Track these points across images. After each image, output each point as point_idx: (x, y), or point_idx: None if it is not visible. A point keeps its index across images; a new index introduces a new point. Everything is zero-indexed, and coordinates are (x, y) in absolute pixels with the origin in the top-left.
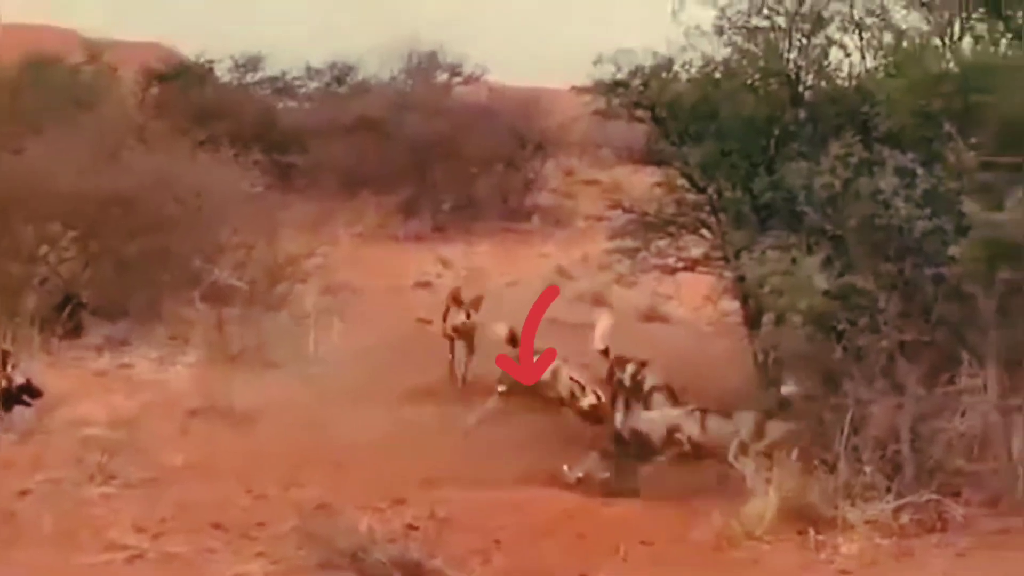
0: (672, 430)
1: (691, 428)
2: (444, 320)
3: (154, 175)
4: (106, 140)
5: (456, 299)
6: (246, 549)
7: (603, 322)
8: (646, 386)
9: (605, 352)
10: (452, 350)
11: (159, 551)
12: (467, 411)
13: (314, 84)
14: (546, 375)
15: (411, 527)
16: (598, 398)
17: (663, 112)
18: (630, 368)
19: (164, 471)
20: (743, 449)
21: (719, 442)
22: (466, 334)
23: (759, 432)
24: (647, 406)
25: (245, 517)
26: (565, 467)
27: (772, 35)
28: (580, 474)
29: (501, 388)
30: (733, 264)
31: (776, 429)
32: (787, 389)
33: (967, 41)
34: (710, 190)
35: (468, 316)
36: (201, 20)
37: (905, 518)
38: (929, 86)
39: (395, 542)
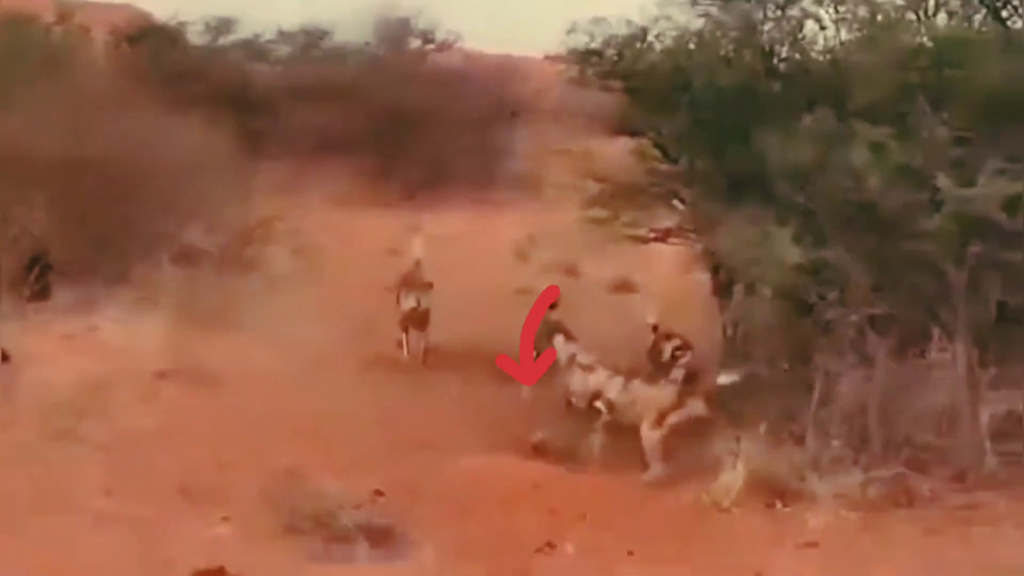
0: (595, 395)
1: (613, 392)
2: (397, 302)
3: (124, 137)
4: (77, 101)
5: (409, 283)
6: (213, 513)
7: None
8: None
9: (655, 327)
10: (406, 332)
11: (126, 514)
12: (437, 377)
13: (287, 48)
14: None
15: (378, 493)
16: None
17: (636, 82)
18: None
19: (131, 434)
20: (658, 420)
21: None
22: (418, 319)
23: (678, 404)
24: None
25: (212, 481)
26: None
27: (746, 6)
28: (540, 436)
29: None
30: (704, 236)
31: (696, 407)
32: (724, 378)
33: (941, 16)
34: (683, 161)
35: (418, 303)
36: None
37: (873, 492)
38: (903, 60)
39: (362, 508)
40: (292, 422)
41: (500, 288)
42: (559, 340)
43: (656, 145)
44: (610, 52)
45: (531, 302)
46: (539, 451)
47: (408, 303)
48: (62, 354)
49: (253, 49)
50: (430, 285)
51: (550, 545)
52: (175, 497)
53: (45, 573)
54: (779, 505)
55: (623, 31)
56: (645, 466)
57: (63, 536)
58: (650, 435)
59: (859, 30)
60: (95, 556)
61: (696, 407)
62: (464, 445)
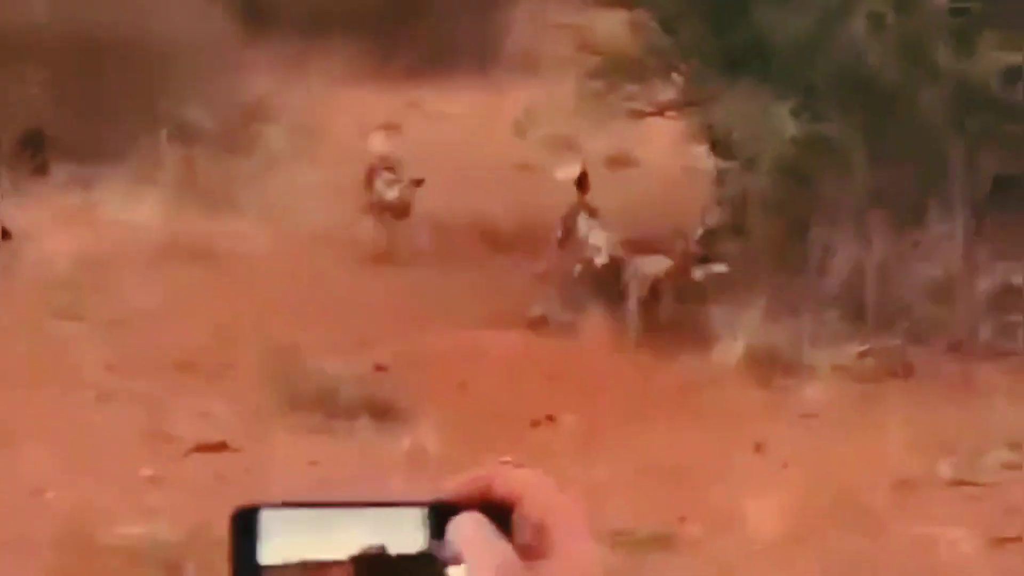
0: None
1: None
2: (369, 187)
3: (122, 11)
4: None
5: (388, 166)
6: (214, 389)
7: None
8: None
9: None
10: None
11: (128, 390)
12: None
13: None
14: None
15: (379, 368)
16: None
17: None
18: None
19: (132, 311)
20: None
21: None
22: (403, 209)
23: None
24: None
25: (213, 358)
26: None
27: None
28: (539, 311)
29: None
30: (703, 110)
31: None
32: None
33: None
34: (681, 33)
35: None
36: None
37: (870, 363)
38: None
39: (362, 382)
40: (292, 300)
41: (499, 163)
42: (583, 217)
43: (655, 18)
44: None
45: (529, 177)
46: (538, 325)
47: (390, 192)
48: (62, 231)
49: None
50: (421, 180)
51: (550, 418)
52: (176, 373)
53: (50, 448)
54: (778, 377)
55: None
56: None
57: (66, 411)
58: None
59: None
60: (98, 431)
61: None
62: (465, 320)
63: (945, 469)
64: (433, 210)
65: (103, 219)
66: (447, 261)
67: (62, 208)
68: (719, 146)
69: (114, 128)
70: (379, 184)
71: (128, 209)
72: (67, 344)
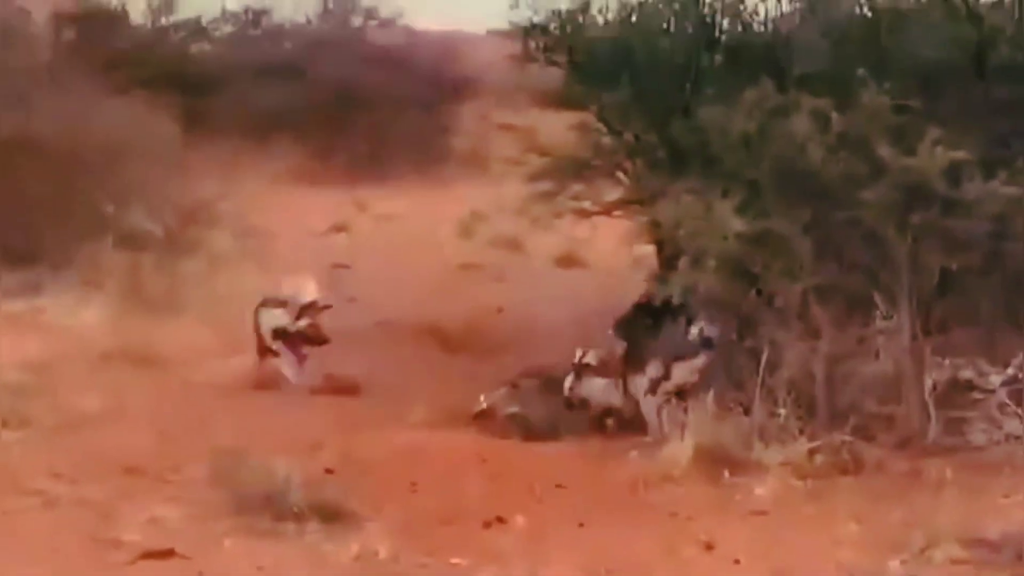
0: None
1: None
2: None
3: (67, 119)
4: (18, 83)
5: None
6: (161, 493)
7: None
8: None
9: None
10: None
11: (74, 496)
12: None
13: (229, 27)
14: None
15: (327, 471)
16: None
17: (579, 56)
18: None
19: (78, 416)
20: None
21: None
22: (318, 337)
23: None
24: None
25: (159, 461)
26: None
27: None
28: (484, 405)
29: None
30: (648, 208)
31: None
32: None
33: None
34: (626, 134)
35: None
36: None
37: (819, 460)
38: (842, 30)
39: (310, 486)
40: (238, 401)
41: (445, 264)
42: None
43: (600, 118)
44: (553, 26)
45: (475, 277)
46: (482, 421)
47: (283, 320)
48: (7, 336)
49: (195, 29)
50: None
51: (500, 519)
52: (122, 478)
53: None
54: (726, 474)
55: (566, 5)
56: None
57: (11, 519)
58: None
59: (800, 1)
60: (43, 538)
61: None
62: (412, 418)
63: (895, 566)
64: (379, 310)
65: (48, 323)
66: (393, 361)
67: (7, 314)
68: (665, 244)
69: (59, 234)
70: (266, 317)
71: (73, 314)
72: (11, 449)
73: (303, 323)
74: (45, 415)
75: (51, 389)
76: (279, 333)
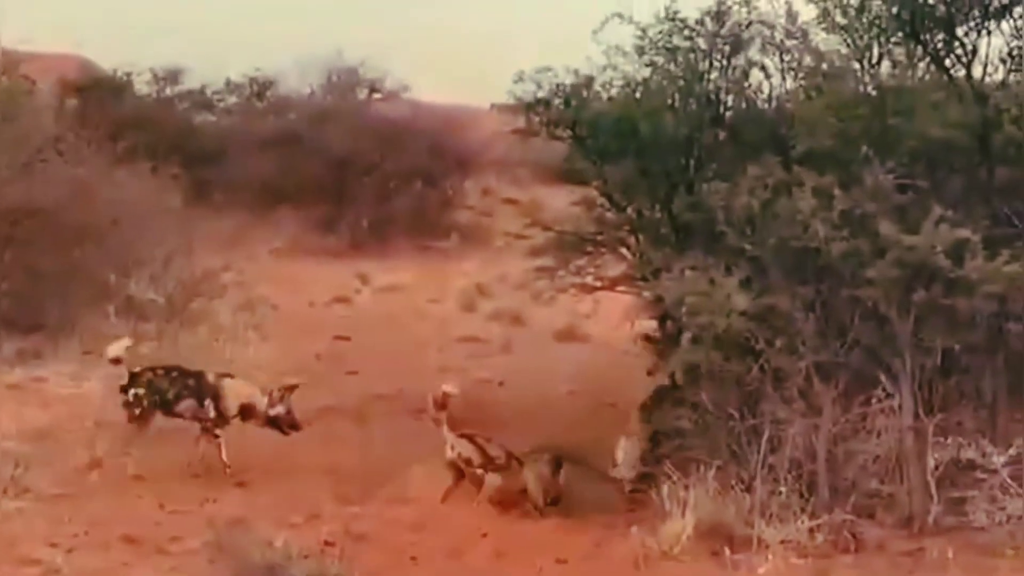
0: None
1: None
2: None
3: (71, 188)
4: (22, 152)
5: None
6: (160, 564)
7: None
8: None
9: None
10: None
11: (73, 566)
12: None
13: (233, 98)
14: None
15: (327, 543)
16: None
17: (583, 131)
18: None
19: (77, 485)
20: None
21: None
22: (291, 423)
23: None
24: None
25: (159, 532)
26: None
27: (692, 56)
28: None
29: None
30: (651, 284)
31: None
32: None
33: (885, 65)
34: (629, 209)
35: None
36: (121, 33)
37: (820, 538)
38: (847, 108)
39: (310, 558)
40: (239, 472)
41: (446, 337)
42: None
43: (603, 193)
44: (557, 101)
45: (475, 349)
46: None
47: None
48: (8, 404)
49: (200, 99)
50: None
51: None
52: (122, 548)
53: None
54: (727, 552)
55: (570, 80)
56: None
57: None
58: None
59: (804, 79)
60: None
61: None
62: (412, 492)
63: None
64: (379, 383)
65: (49, 392)
66: (393, 434)
67: (9, 382)
68: (668, 319)
69: (62, 302)
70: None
71: (74, 383)
72: (10, 519)
73: (280, 409)
74: (44, 484)
75: (51, 458)
76: (249, 413)
